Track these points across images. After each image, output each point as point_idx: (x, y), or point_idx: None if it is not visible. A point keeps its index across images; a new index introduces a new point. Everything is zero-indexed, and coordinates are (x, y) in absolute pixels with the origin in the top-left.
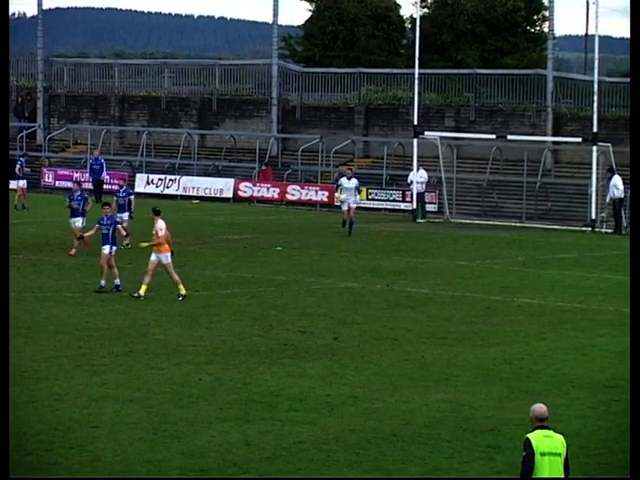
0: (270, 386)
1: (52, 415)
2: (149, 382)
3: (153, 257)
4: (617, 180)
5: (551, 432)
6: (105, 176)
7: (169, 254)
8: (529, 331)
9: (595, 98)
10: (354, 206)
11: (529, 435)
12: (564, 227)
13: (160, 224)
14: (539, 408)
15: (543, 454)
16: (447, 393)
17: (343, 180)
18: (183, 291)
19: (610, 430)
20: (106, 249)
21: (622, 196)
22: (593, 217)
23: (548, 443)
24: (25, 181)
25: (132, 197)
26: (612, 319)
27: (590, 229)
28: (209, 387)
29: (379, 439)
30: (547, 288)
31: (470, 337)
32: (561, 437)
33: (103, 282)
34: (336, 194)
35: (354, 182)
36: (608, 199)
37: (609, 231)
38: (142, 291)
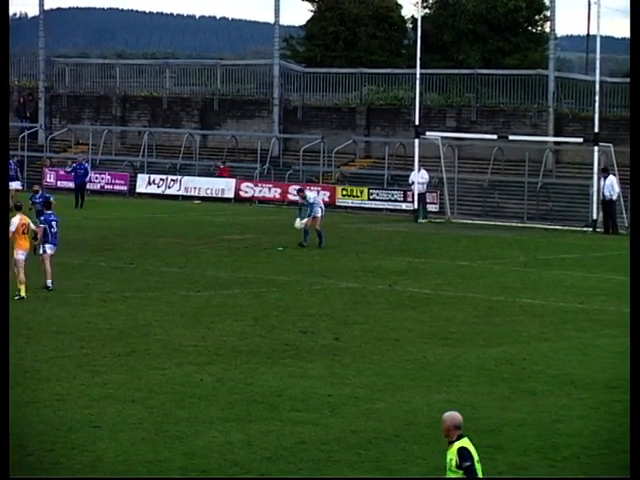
0: (271, 386)
1: (54, 415)
2: (151, 382)
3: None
4: (613, 181)
5: (468, 439)
6: (88, 180)
7: (24, 251)
8: (531, 331)
9: (597, 98)
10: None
11: (465, 444)
12: (565, 227)
13: (13, 220)
14: (457, 416)
15: (477, 462)
16: (449, 393)
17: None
18: (23, 293)
19: (612, 430)
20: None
21: (615, 197)
22: (594, 217)
23: (475, 451)
24: (18, 182)
25: (52, 199)
26: (614, 319)
27: (591, 229)
28: (211, 387)
29: (380, 439)
30: (549, 288)
31: (472, 337)
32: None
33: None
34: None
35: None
36: (601, 198)
37: (600, 230)
38: (22, 292)
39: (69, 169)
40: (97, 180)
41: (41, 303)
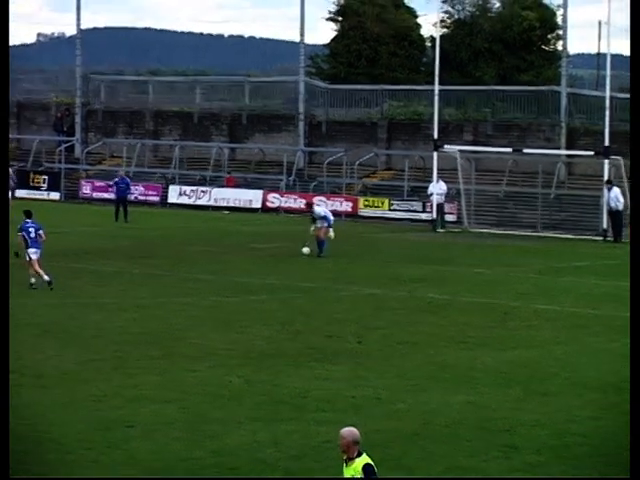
0: (298, 388)
1: (91, 415)
2: (183, 384)
3: None
4: (617, 192)
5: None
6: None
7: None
8: (545, 336)
9: (607, 113)
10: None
11: (368, 460)
12: (577, 236)
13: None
14: (356, 432)
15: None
16: (467, 395)
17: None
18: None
19: (622, 430)
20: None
21: (622, 208)
22: (604, 227)
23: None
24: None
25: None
26: (624, 325)
27: (602, 238)
28: (240, 389)
29: (402, 438)
30: (562, 295)
31: (488, 341)
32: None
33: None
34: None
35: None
36: (607, 209)
37: (610, 239)
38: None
39: (111, 183)
40: (131, 191)
41: (79, 308)
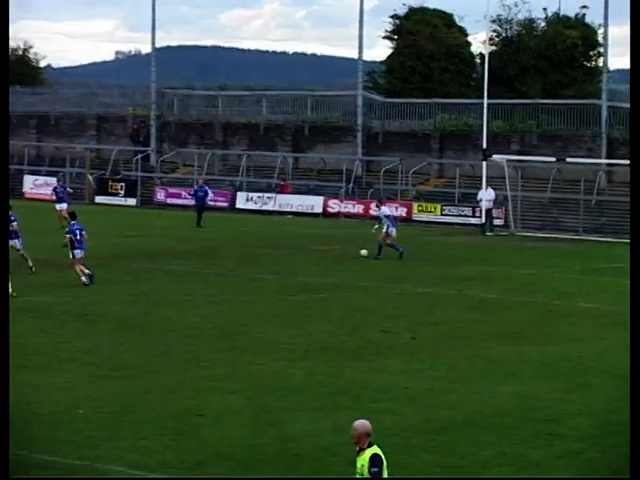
0: (356, 379)
1: (164, 404)
2: (249, 376)
3: None
4: None
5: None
6: (209, 201)
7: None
8: (586, 332)
9: None
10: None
11: (377, 451)
12: (616, 240)
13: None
14: (368, 424)
15: (385, 468)
16: (513, 386)
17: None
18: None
19: None
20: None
21: None
22: None
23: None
24: (65, 204)
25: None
26: None
27: None
28: (302, 380)
29: (453, 426)
30: (602, 294)
31: (533, 337)
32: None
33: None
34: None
35: (383, 210)
36: None
37: None
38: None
39: (192, 191)
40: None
41: (153, 305)
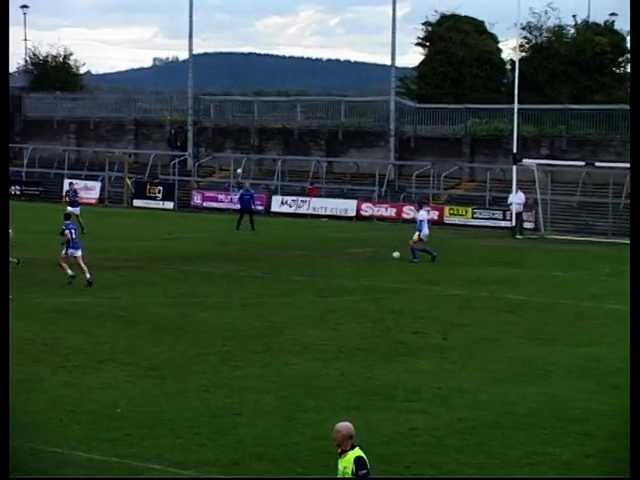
0: (388, 380)
1: (200, 404)
2: (284, 376)
3: None
4: None
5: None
6: (254, 205)
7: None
8: (615, 333)
9: None
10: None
11: (360, 454)
12: None
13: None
14: (350, 427)
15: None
16: (543, 387)
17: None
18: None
19: None
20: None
21: None
22: None
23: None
24: (78, 208)
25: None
26: None
27: None
28: (335, 380)
29: (483, 426)
30: None
31: (563, 338)
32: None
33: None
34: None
35: (421, 213)
36: None
37: None
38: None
39: (237, 194)
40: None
41: (189, 307)
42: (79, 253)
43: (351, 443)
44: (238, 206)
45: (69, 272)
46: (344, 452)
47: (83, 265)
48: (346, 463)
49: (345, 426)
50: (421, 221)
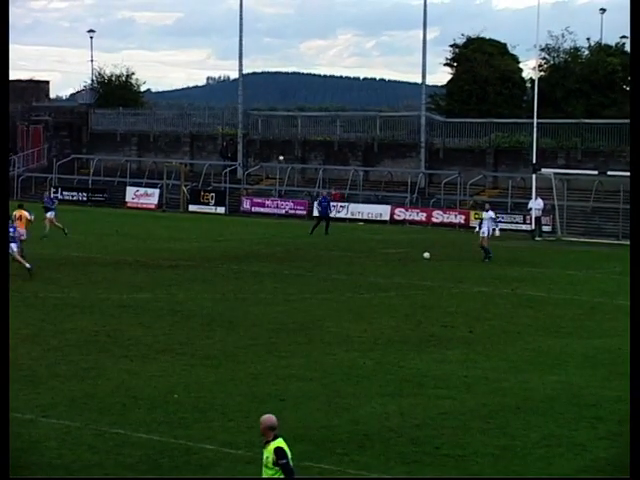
0: (419, 369)
1: (249, 390)
2: (324, 365)
3: None
4: None
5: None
6: (331, 211)
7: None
8: (625, 326)
9: None
10: (484, 235)
11: (280, 444)
12: None
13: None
14: (270, 418)
15: (291, 460)
16: (559, 375)
17: (483, 213)
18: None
19: None
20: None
21: None
22: None
23: (288, 450)
24: (53, 212)
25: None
26: None
27: None
28: (371, 369)
29: (505, 411)
30: None
31: (578, 331)
32: None
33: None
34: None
35: (488, 214)
36: None
37: None
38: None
39: (317, 201)
40: (283, 206)
41: (239, 302)
42: (16, 249)
43: (274, 434)
44: (316, 212)
45: (27, 265)
46: (267, 442)
47: (19, 258)
48: (268, 453)
49: (266, 418)
50: (492, 219)
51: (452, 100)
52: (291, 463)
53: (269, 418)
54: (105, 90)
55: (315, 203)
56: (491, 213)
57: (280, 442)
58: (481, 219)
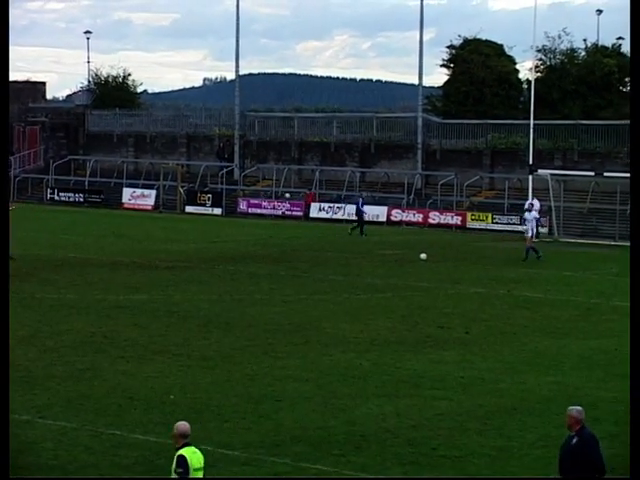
0: (415, 369)
1: (245, 391)
2: (321, 366)
3: None
4: None
5: (194, 448)
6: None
7: None
8: (621, 327)
9: None
10: (527, 235)
11: (183, 452)
12: None
13: None
14: (183, 426)
15: (196, 469)
16: (555, 376)
17: (526, 214)
18: None
19: None
20: None
21: None
22: None
23: (197, 458)
24: None
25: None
26: None
27: None
28: (368, 370)
29: (502, 412)
30: None
31: (574, 332)
32: (200, 453)
33: None
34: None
35: (532, 214)
36: None
37: None
38: None
39: (357, 204)
40: (279, 207)
41: (235, 303)
42: None
43: (183, 442)
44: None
45: None
46: (177, 449)
47: None
48: (174, 460)
49: (180, 425)
50: (536, 219)
51: (449, 101)
52: (191, 474)
53: (183, 425)
54: (102, 91)
55: (356, 205)
56: (534, 213)
57: (186, 451)
58: (524, 219)
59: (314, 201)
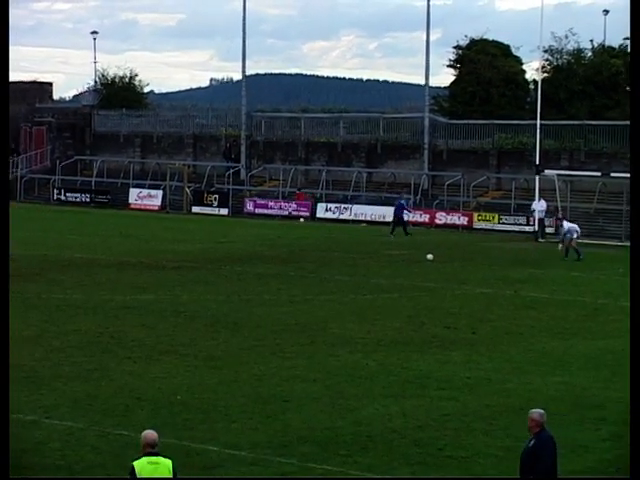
0: (422, 370)
1: (253, 391)
2: (328, 366)
3: None
4: None
5: (159, 458)
6: (406, 214)
7: None
8: (628, 328)
9: None
10: (573, 237)
11: (134, 463)
12: None
13: None
14: (150, 435)
15: None
16: (563, 376)
17: (564, 224)
18: None
19: None
20: None
21: None
22: None
23: (151, 469)
24: None
25: None
26: None
27: None
28: (374, 370)
29: (508, 412)
30: None
31: (581, 332)
32: (169, 462)
33: None
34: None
35: (566, 225)
36: None
37: None
38: None
39: (397, 205)
40: (285, 207)
41: (243, 303)
42: None
43: (147, 451)
44: (405, 216)
45: None
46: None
47: None
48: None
49: (144, 434)
50: (567, 230)
51: (455, 101)
52: None
53: (151, 434)
54: (108, 91)
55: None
56: (567, 224)
57: (140, 462)
58: (562, 228)
59: (303, 200)
